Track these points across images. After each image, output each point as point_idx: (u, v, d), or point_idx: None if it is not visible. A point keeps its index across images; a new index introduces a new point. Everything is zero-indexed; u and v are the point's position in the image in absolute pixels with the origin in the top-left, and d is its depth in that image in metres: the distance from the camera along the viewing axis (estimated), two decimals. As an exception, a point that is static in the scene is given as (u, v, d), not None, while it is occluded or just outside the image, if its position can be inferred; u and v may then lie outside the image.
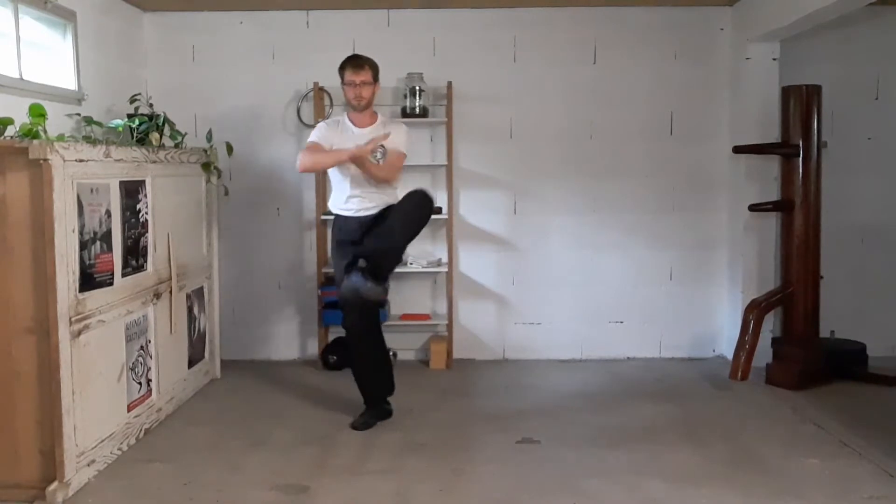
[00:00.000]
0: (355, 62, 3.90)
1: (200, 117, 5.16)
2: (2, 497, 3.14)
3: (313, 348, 5.28)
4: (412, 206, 3.76)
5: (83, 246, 3.29)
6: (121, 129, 4.11)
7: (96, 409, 3.39)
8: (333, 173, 3.98)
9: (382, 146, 3.81)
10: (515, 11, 5.16)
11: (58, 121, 3.86)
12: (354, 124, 3.98)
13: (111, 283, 3.54)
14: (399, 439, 3.81)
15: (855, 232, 5.32)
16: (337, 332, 5.23)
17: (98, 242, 3.42)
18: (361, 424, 3.96)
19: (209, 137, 4.74)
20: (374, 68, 3.93)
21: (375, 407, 4.05)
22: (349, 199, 3.95)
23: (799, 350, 4.68)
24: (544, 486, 3.28)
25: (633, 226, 5.30)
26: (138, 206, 3.83)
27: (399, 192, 3.95)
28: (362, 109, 3.94)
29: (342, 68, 3.93)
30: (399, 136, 3.93)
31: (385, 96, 5.17)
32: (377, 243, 3.76)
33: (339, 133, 3.95)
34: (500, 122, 5.20)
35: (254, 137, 5.21)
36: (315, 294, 5.17)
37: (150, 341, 3.94)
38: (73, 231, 3.20)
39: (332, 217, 5.11)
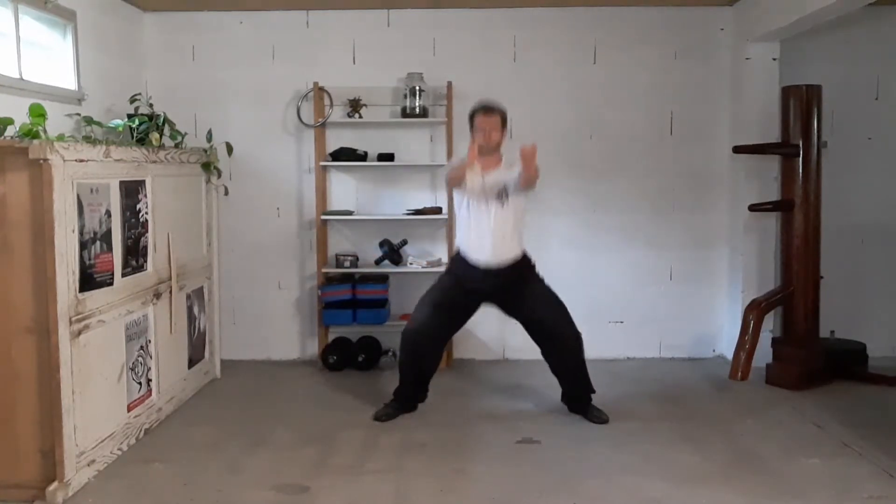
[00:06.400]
0: (486, 108, 4.01)
1: (200, 117, 5.15)
2: (2, 497, 3.14)
3: (313, 348, 5.28)
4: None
5: (83, 246, 3.29)
6: (121, 129, 4.11)
7: (96, 409, 3.39)
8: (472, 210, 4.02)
9: (504, 184, 3.92)
10: (515, 11, 5.16)
11: (58, 121, 3.86)
12: (481, 167, 3.98)
13: (111, 283, 3.54)
14: (399, 439, 3.81)
15: (855, 232, 5.32)
16: (337, 332, 5.24)
17: (98, 242, 3.42)
18: (385, 416, 4.09)
19: (209, 137, 4.75)
20: (504, 115, 4.06)
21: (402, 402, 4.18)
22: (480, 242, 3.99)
23: (799, 350, 4.67)
24: (544, 486, 3.28)
25: (632, 226, 5.30)
26: (138, 206, 3.83)
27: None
28: (490, 153, 3.99)
29: (473, 114, 4.03)
30: None
31: (385, 96, 5.18)
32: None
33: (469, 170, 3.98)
34: (500, 122, 5.19)
35: (254, 137, 5.20)
36: (315, 294, 5.17)
37: (150, 341, 3.94)
38: (73, 231, 3.20)
39: (332, 217, 5.16)
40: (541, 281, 4.10)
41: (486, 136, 3.96)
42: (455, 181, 3.93)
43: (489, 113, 4.00)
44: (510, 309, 4.12)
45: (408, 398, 4.17)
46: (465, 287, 4.03)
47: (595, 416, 4.08)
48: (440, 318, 4.06)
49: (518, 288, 4.02)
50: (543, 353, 4.16)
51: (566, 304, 4.06)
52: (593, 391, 4.17)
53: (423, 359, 4.11)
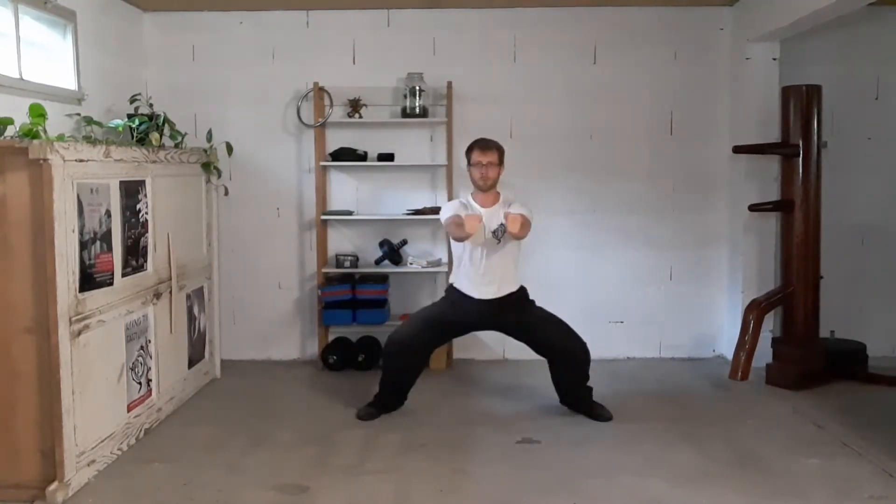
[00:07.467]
0: (483, 144, 4.02)
1: (200, 117, 5.15)
2: (2, 497, 3.14)
3: (313, 348, 5.28)
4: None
5: (83, 246, 3.29)
6: (121, 129, 4.11)
7: (96, 409, 3.39)
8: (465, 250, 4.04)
9: (502, 223, 3.83)
10: (515, 11, 5.16)
11: (58, 121, 3.86)
12: (478, 204, 4.05)
13: (111, 283, 3.54)
14: (399, 439, 3.81)
15: (855, 232, 5.32)
16: (337, 332, 5.24)
17: (98, 242, 3.42)
18: (367, 415, 4.10)
19: (209, 137, 4.75)
20: (501, 151, 4.04)
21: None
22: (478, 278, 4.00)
23: (799, 350, 4.67)
24: (544, 486, 3.28)
25: (632, 226, 5.30)
26: (138, 206, 3.83)
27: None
28: (486, 190, 4.02)
29: (470, 150, 4.04)
30: (521, 209, 3.95)
31: (385, 96, 5.18)
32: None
33: (465, 211, 3.98)
34: (500, 122, 5.19)
35: (254, 137, 5.20)
36: (315, 294, 5.17)
37: (150, 341, 3.94)
38: (73, 231, 3.21)
39: (332, 217, 5.16)
40: (537, 307, 4.14)
41: (482, 173, 3.97)
42: (458, 238, 3.93)
43: (486, 149, 4.00)
44: (512, 333, 4.18)
45: (385, 406, 4.16)
46: (459, 312, 4.06)
47: (598, 413, 4.08)
48: (427, 334, 4.10)
49: (515, 316, 4.05)
50: (551, 366, 4.17)
51: (567, 311, 4.11)
52: (591, 388, 4.19)
53: (404, 371, 4.12)
